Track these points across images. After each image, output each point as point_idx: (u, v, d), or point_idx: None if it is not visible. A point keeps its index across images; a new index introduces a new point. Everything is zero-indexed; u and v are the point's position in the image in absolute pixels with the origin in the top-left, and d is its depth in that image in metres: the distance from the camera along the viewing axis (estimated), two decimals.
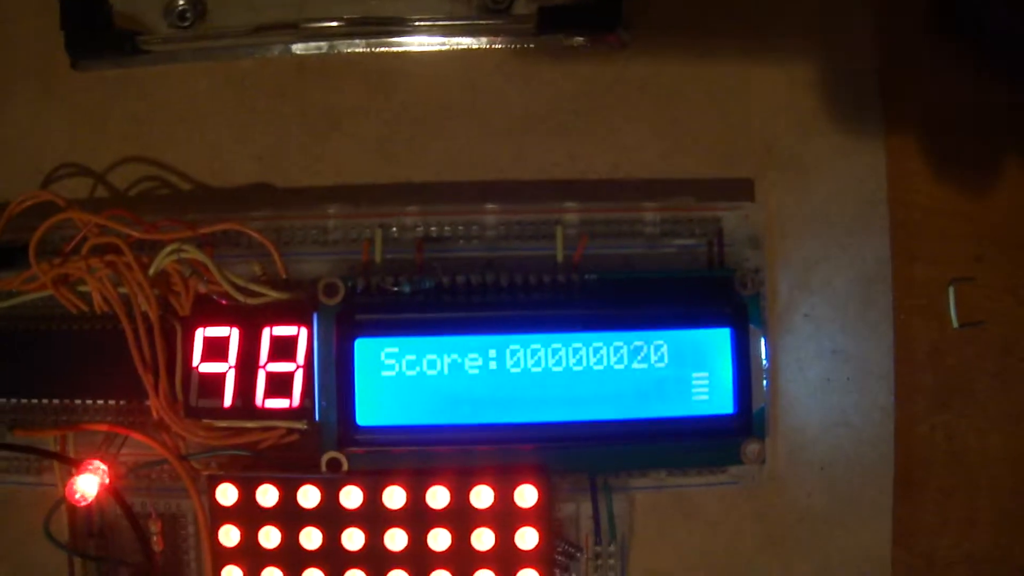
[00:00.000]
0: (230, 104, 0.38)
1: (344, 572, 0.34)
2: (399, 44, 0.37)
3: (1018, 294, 0.39)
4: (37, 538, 0.36)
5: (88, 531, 0.37)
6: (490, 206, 0.36)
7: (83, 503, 0.33)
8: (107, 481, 0.34)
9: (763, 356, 0.34)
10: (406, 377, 0.33)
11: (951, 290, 0.39)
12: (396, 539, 0.34)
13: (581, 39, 0.37)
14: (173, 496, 0.36)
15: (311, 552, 0.34)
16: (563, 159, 0.37)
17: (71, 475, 0.34)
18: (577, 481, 0.35)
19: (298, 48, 0.37)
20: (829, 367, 0.38)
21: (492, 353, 0.33)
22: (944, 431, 0.39)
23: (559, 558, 0.35)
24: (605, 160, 0.37)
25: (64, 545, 0.36)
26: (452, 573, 0.34)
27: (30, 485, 0.38)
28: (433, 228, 0.36)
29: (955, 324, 0.39)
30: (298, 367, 0.34)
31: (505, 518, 0.33)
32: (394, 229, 0.36)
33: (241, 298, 0.35)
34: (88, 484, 0.34)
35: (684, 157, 0.37)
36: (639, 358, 0.33)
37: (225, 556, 0.34)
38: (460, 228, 0.36)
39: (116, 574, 0.37)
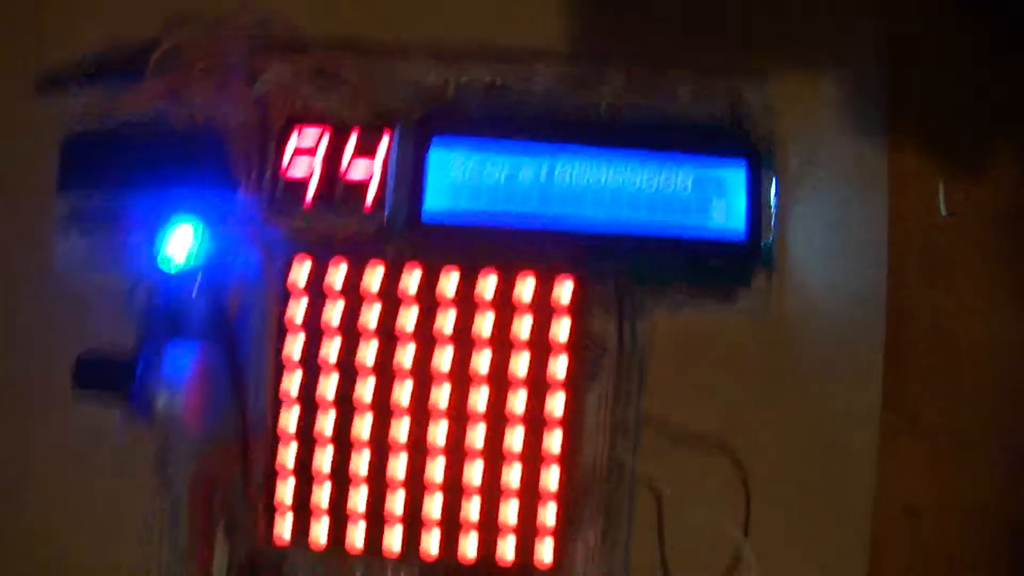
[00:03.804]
0: None
1: (397, 346, 0.39)
2: None
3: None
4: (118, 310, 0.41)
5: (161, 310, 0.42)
6: (549, 62, 0.42)
7: (176, 263, 0.39)
8: (197, 239, 0.39)
9: (772, 196, 0.40)
10: (469, 180, 0.39)
11: (941, 183, 0.44)
12: (447, 320, 0.39)
13: None
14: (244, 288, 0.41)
15: (370, 327, 0.39)
16: (609, 34, 0.44)
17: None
18: (605, 297, 0.40)
19: None
20: (831, 236, 0.43)
21: (544, 165, 0.39)
22: (930, 307, 0.44)
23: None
24: (646, 37, 0.44)
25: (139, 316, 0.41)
26: (494, 352, 0.38)
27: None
28: (499, 77, 0.42)
29: (943, 212, 0.44)
30: (376, 170, 0.40)
31: (543, 307, 0.38)
32: (465, 78, 0.42)
33: (331, 115, 0.41)
34: (183, 241, 0.39)
35: (712, 44, 0.44)
36: (667, 182, 0.39)
37: (292, 328, 0.39)
38: (522, 81, 0.42)
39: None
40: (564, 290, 0.38)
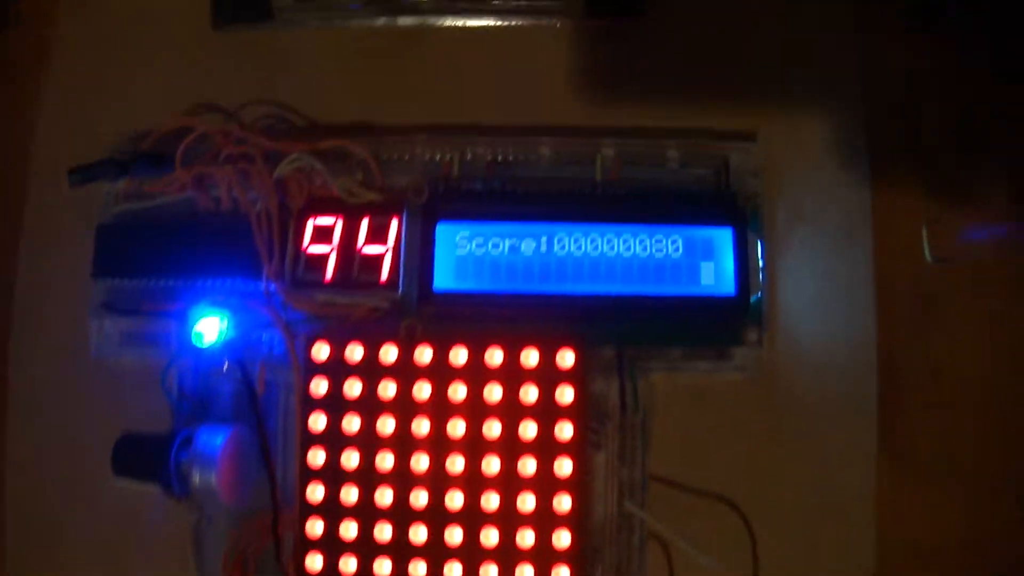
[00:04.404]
0: (343, 60, 0.48)
1: (413, 419, 0.41)
2: (476, 19, 0.47)
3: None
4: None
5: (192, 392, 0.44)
6: (546, 139, 0.45)
7: (206, 342, 0.41)
8: (225, 326, 0.42)
9: (759, 256, 0.42)
10: (474, 255, 0.42)
11: (924, 229, 0.46)
12: (458, 392, 0.41)
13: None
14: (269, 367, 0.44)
15: (387, 401, 0.41)
16: (601, 109, 0.46)
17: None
18: (606, 361, 0.42)
19: (399, 20, 0.48)
20: (820, 287, 0.45)
21: (543, 239, 0.42)
22: (921, 348, 0.46)
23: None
24: (637, 110, 0.46)
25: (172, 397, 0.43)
26: (503, 423, 0.41)
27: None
28: (500, 155, 0.45)
29: (928, 259, 0.46)
30: (388, 250, 0.42)
31: (548, 376, 0.41)
32: (469, 155, 0.45)
33: (345, 196, 0.43)
34: (212, 326, 0.42)
35: (701, 106, 0.46)
36: (659, 248, 0.42)
37: (314, 405, 0.42)
38: (521, 156, 0.44)
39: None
40: (566, 360, 0.41)
